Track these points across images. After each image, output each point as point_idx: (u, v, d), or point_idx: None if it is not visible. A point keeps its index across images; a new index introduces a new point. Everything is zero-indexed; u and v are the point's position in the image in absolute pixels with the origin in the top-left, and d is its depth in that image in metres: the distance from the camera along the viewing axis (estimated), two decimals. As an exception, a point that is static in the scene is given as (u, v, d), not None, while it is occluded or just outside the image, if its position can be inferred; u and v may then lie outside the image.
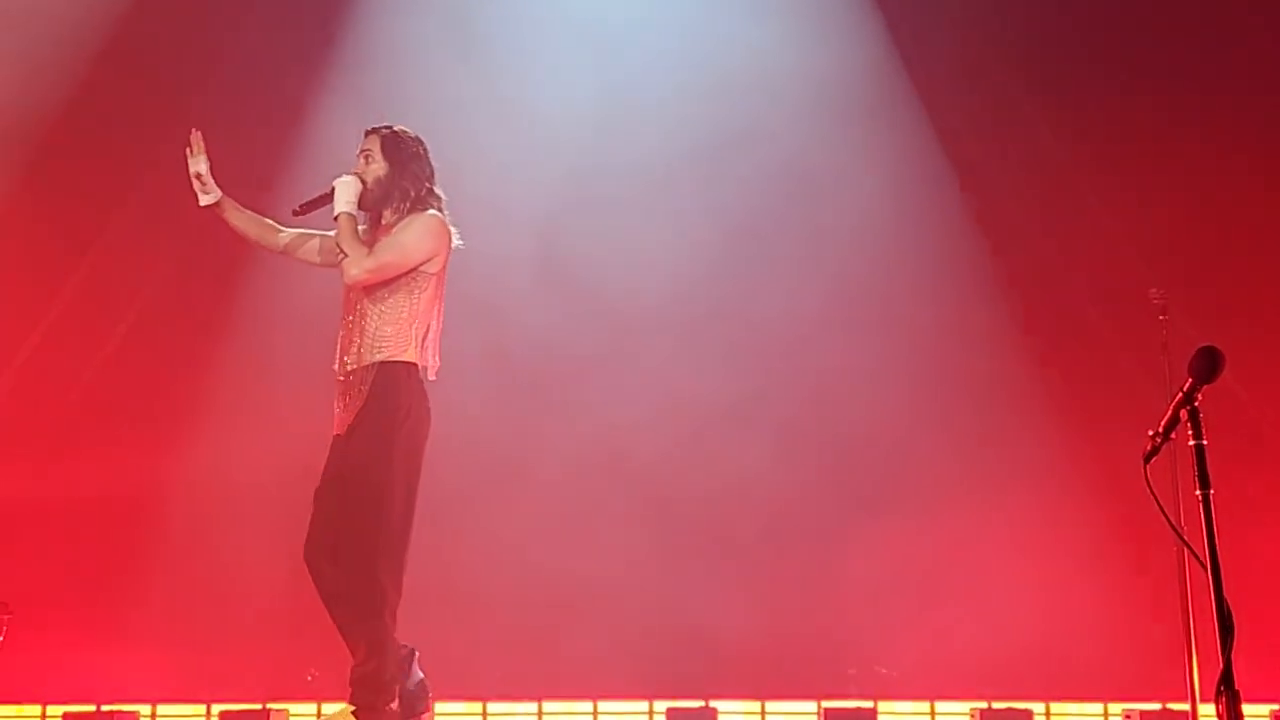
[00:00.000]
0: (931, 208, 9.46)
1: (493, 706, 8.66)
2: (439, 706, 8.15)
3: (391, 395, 5.19)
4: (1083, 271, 9.35)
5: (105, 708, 7.98)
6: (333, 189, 5.31)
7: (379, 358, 5.21)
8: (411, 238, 5.28)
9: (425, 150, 5.47)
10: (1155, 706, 7.68)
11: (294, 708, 7.47)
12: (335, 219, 5.24)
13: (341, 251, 5.21)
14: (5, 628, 7.83)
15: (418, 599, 9.00)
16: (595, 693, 8.72)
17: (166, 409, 9.45)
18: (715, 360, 9.39)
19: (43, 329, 9.75)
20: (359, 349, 5.23)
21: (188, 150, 5.52)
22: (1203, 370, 3.59)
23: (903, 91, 9.50)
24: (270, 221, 5.72)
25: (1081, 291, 9.34)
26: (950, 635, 8.70)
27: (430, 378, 5.37)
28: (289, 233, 5.69)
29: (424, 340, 5.34)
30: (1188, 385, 3.61)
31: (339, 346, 5.36)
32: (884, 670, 8.74)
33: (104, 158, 9.38)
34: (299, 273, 6.49)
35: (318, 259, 5.63)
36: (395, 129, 5.45)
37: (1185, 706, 6.77)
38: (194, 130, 5.53)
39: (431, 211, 5.37)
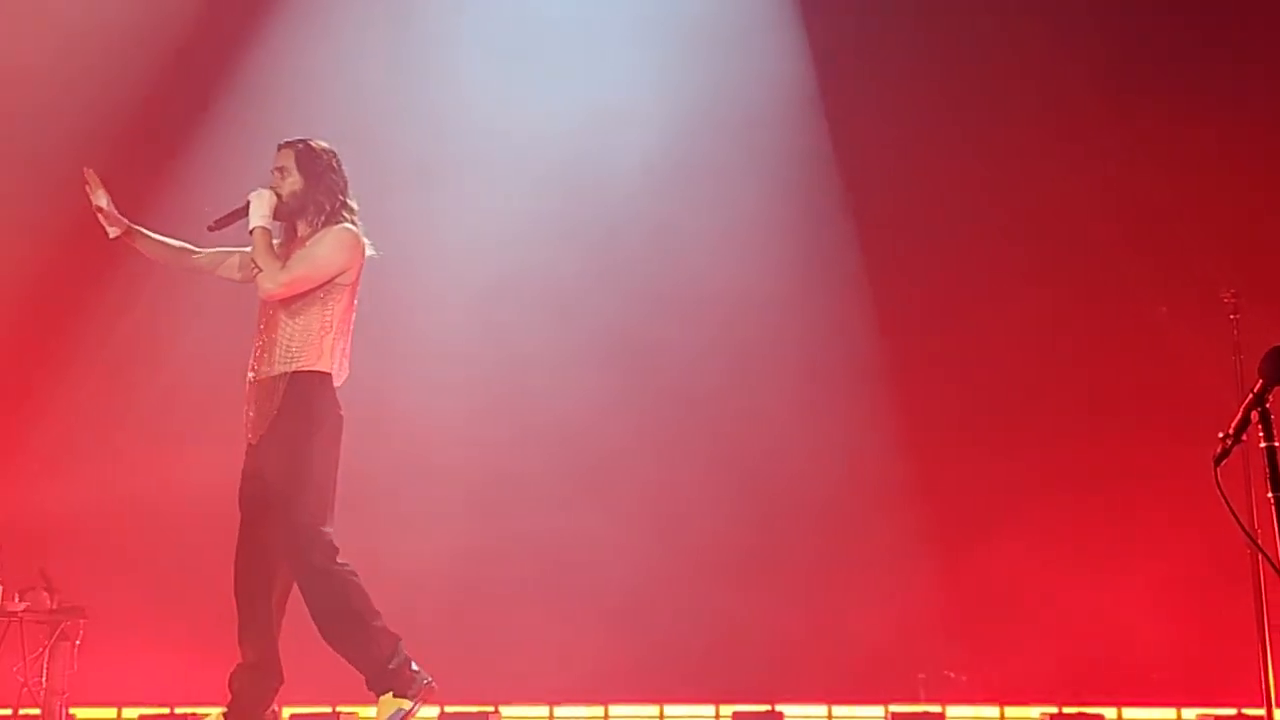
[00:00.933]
0: (1012, 213, 9.40)
1: (560, 710, 8.68)
2: (507, 711, 8.18)
3: (304, 404, 5.28)
4: (1153, 274, 9.23)
5: (179, 710, 8.09)
6: (247, 203, 5.35)
7: (292, 367, 5.30)
8: (324, 251, 5.34)
9: (339, 162, 5.52)
10: (1230, 711, 7.56)
11: (363, 710, 7.54)
12: (250, 233, 5.30)
13: (256, 266, 5.27)
14: (81, 632, 7.95)
15: (485, 602, 9.18)
16: (661, 696, 8.72)
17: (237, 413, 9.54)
18: (789, 379, 9.40)
19: (115, 339, 9.92)
20: (272, 358, 5.31)
21: (86, 188, 5.55)
22: (1274, 371, 3.54)
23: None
24: (181, 244, 5.73)
25: (1151, 294, 9.22)
26: (1020, 639, 8.62)
27: (337, 384, 5.44)
28: (205, 252, 5.73)
29: (336, 350, 5.40)
30: (1259, 386, 3.57)
31: (252, 354, 5.42)
32: (952, 675, 8.68)
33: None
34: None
35: (238, 275, 5.66)
36: (309, 142, 5.50)
37: (1260, 711, 6.67)
38: (86, 169, 5.55)
39: (345, 225, 5.42)
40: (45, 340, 9.74)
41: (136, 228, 5.63)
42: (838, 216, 9.70)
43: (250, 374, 5.41)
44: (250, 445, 5.41)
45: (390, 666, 5.20)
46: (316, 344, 5.34)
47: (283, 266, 5.28)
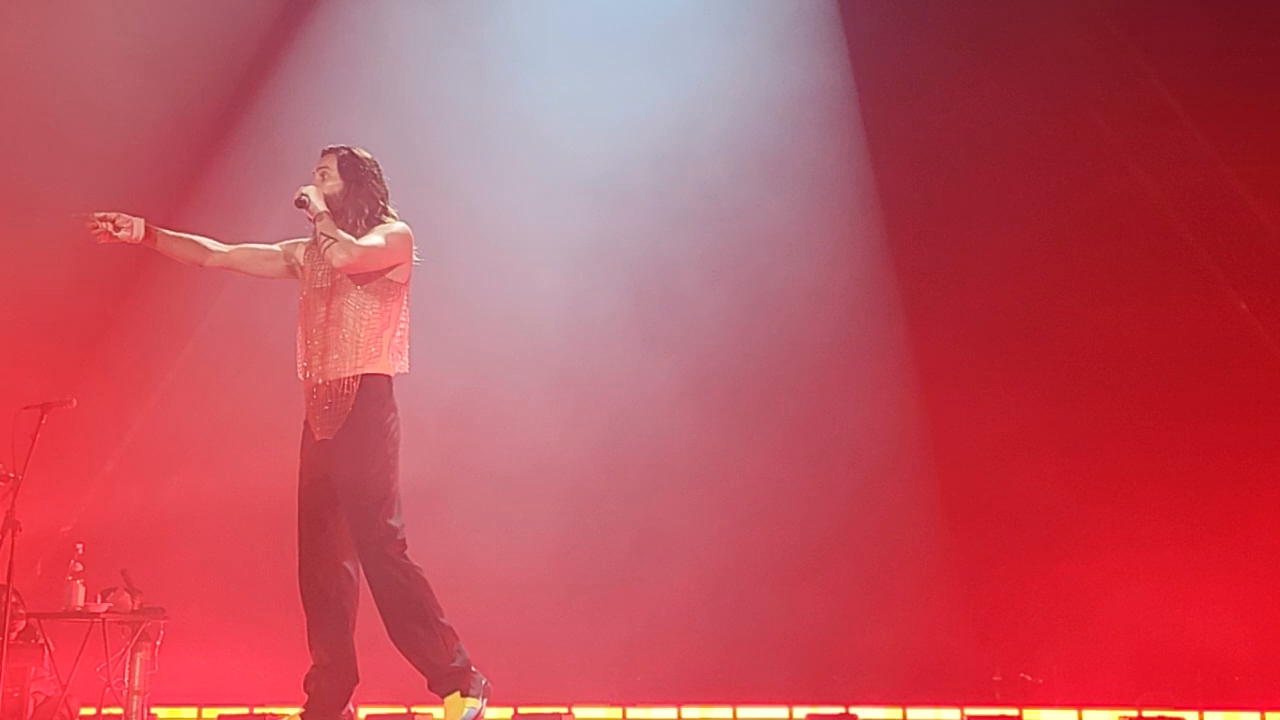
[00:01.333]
0: (1082, 213, 9.31)
1: (632, 712, 8.70)
2: (580, 712, 8.21)
3: (377, 406, 5.35)
4: (1241, 283, 9.10)
5: (257, 710, 8.19)
6: (304, 195, 5.41)
7: (361, 369, 5.36)
8: (391, 234, 5.44)
9: (380, 171, 5.61)
10: (1314, 715, 7.44)
11: (437, 711, 7.59)
12: (316, 218, 5.34)
13: (328, 239, 5.30)
14: (162, 632, 8.08)
15: (558, 602, 9.20)
16: (735, 698, 8.71)
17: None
18: (867, 379, 9.39)
19: (191, 345, 10.10)
20: (338, 359, 5.36)
21: (91, 229, 5.45)
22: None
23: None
24: (206, 241, 5.70)
25: (1238, 303, 9.09)
26: (1098, 641, 8.53)
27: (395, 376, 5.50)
28: (236, 248, 5.74)
29: (398, 350, 5.48)
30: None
31: (308, 355, 5.45)
32: (1029, 678, 8.60)
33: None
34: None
35: (279, 265, 5.70)
36: (352, 149, 5.60)
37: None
38: (86, 214, 5.45)
39: (400, 224, 5.51)
40: (126, 346, 9.91)
41: (156, 228, 5.57)
42: (902, 214, 9.66)
43: (308, 374, 5.46)
44: (316, 447, 5.43)
45: (455, 665, 5.25)
46: (380, 345, 5.41)
47: (353, 240, 5.33)
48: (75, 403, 7.26)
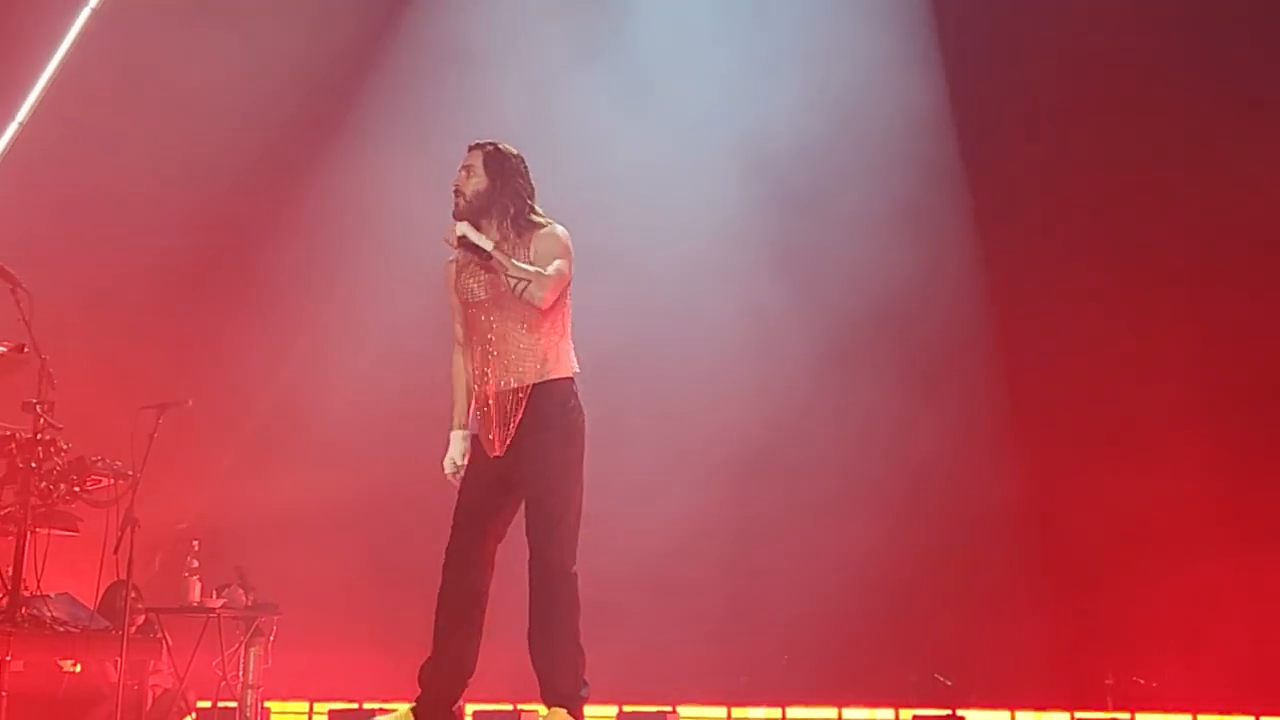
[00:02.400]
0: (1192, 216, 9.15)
1: (736, 712, 8.69)
2: (685, 710, 8.22)
3: (562, 412, 5.23)
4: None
5: (368, 705, 8.30)
6: (461, 236, 5.21)
7: (546, 376, 5.25)
8: (564, 247, 5.29)
9: (526, 168, 5.43)
10: None
11: (543, 709, 7.63)
12: (488, 258, 5.15)
13: (520, 280, 5.14)
14: (275, 628, 8.23)
15: (664, 602, 9.21)
16: (839, 699, 8.67)
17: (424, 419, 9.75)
18: (965, 389, 9.32)
19: (303, 344, 10.28)
20: (519, 367, 5.23)
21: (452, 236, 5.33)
22: None
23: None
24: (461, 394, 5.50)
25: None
26: (1213, 645, 8.34)
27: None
28: (460, 365, 5.53)
29: (567, 349, 5.33)
30: None
31: (485, 363, 5.29)
32: (1142, 681, 8.45)
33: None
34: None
35: (482, 296, 5.36)
36: (499, 145, 5.43)
37: None
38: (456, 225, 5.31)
39: (557, 226, 5.34)
40: (242, 347, 10.11)
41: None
42: (996, 225, 9.58)
43: (487, 383, 5.30)
44: (494, 453, 5.27)
45: (581, 694, 5.18)
46: (560, 349, 5.32)
47: (542, 272, 5.18)
48: (192, 403, 7.41)
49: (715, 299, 9.73)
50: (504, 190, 5.35)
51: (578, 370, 5.35)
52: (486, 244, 5.18)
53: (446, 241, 5.28)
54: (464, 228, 5.24)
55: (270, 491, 9.77)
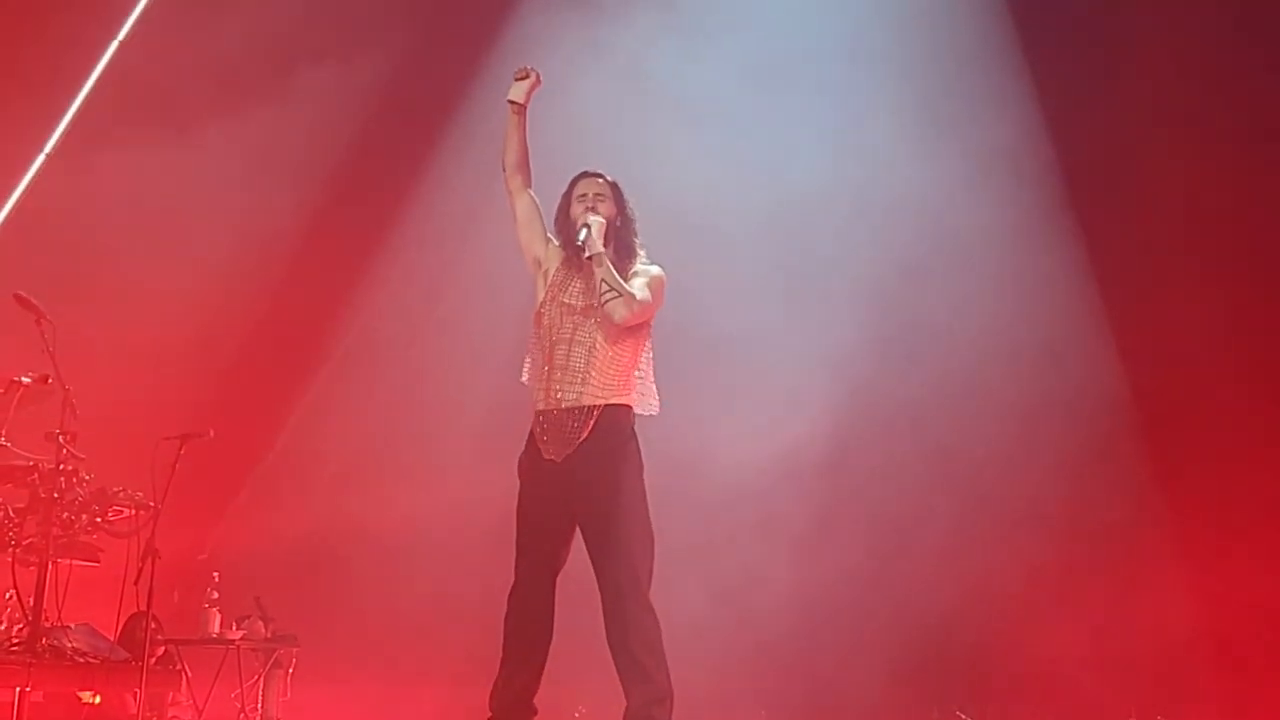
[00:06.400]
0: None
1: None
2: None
3: (627, 438, 5.25)
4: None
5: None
6: (588, 225, 5.31)
7: (611, 399, 5.25)
8: (657, 286, 5.36)
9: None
10: None
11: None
12: (590, 257, 5.24)
13: (612, 290, 5.24)
14: (294, 659, 8.21)
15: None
16: (872, 714, 8.63)
17: (446, 445, 9.73)
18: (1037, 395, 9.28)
19: (325, 373, 10.29)
20: (584, 387, 5.23)
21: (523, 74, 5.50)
22: None
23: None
24: (526, 155, 5.51)
25: None
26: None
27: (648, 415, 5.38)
28: (528, 186, 5.53)
29: (641, 384, 5.38)
30: None
31: (549, 381, 5.29)
32: None
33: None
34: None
35: (525, 234, 5.51)
36: (616, 180, 5.54)
37: None
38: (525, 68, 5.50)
39: (657, 267, 5.43)
40: (262, 377, 10.12)
41: (525, 114, 5.48)
42: (1088, 241, 9.54)
43: (548, 402, 5.29)
44: (552, 471, 5.25)
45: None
46: (630, 378, 5.34)
47: (634, 294, 5.27)
48: (213, 433, 7.42)
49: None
50: (628, 227, 5.50)
51: (655, 412, 5.39)
52: (599, 245, 5.29)
53: (575, 222, 5.39)
54: (597, 223, 5.35)
55: (290, 523, 9.77)
